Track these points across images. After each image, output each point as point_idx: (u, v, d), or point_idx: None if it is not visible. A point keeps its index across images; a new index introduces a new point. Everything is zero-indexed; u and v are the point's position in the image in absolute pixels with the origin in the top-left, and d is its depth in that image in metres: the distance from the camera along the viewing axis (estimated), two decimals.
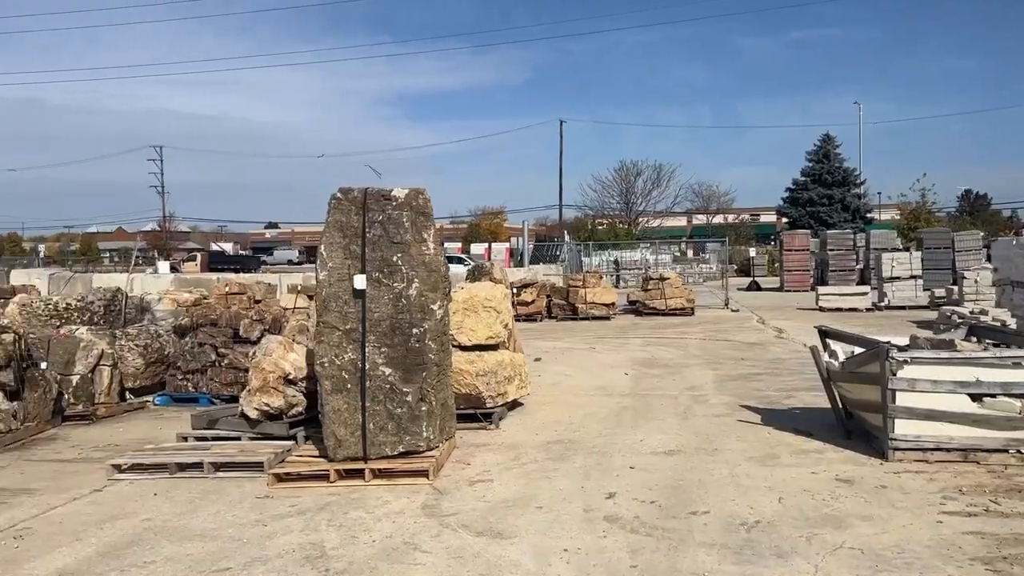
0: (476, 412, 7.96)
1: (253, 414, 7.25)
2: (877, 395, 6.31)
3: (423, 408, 6.38)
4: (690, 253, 57.01)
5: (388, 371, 6.38)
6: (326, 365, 6.38)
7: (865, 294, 21.59)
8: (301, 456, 6.57)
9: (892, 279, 22.39)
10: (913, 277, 22.38)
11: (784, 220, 59.75)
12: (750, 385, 9.82)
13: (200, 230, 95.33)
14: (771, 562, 4.32)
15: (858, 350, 7.11)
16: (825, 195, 55.52)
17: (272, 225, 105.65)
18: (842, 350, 7.34)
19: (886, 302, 21.89)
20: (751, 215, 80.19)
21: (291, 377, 7.37)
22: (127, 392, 10.14)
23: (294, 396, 7.36)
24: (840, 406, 7.10)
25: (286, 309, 15.17)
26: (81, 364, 9.18)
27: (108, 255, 73.00)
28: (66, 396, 8.94)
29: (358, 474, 6.18)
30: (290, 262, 63.80)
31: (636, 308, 21.48)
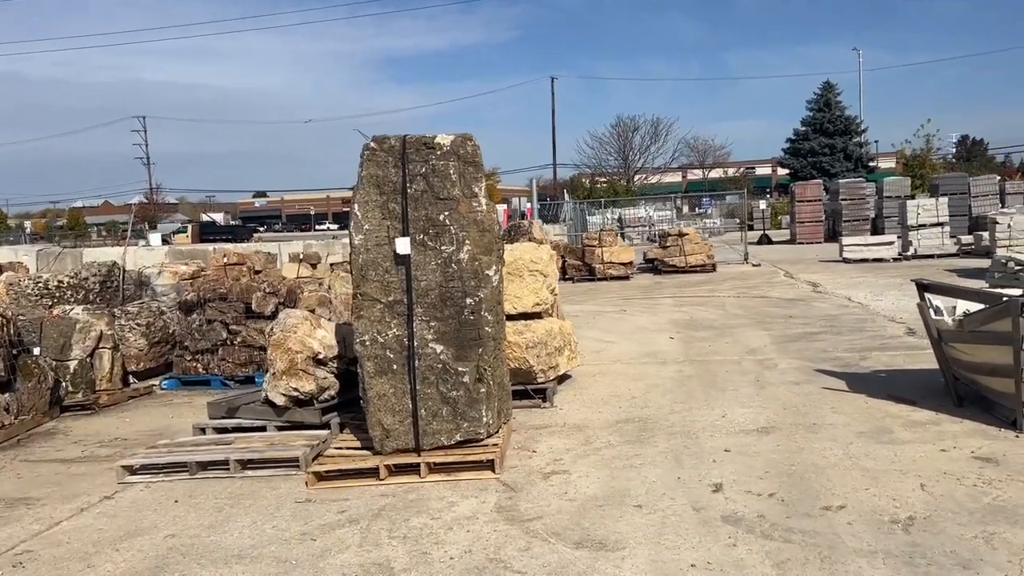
0: (526, 388, 7.10)
1: (280, 400, 6.36)
2: (1004, 357, 5.47)
3: (481, 390, 5.50)
4: (685, 208, 55.89)
5: (439, 348, 5.48)
6: (367, 344, 5.48)
7: (891, 243, 20.74)
8: (341, 449, 5.70)
9: (917, 227, 21.52)
10: (939, 224, 21.52)
11: (785, 172, 58.71)
12: (814, 346, 8.97)
13: (188, 201, 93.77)
14: (957, 575, 3.49)
15: (964, 305, 6.26)
16: (827, 144, 54.42)
17: (260, 194, 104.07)
18: (943, 305, 6.47)
19: (912, 251, 21.04)
20: (746, 168, 79.13)
21: (321, 357, 6.48)
22: (131, 376, 9.26)
23: (325, 378, 6.48)
24: (949, 369, 6.25)
25: (297, 279, 14.25)
26: (78, 348, 8.27)
27: (96, 229, 71.59)
28: (64, 384, 8.03)
29: (411, 469, 5.32)
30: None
31: (654, 266, 20.60)
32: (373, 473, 5.30)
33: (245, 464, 5.66)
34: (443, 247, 5.51)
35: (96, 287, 9.99)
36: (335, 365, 6.63)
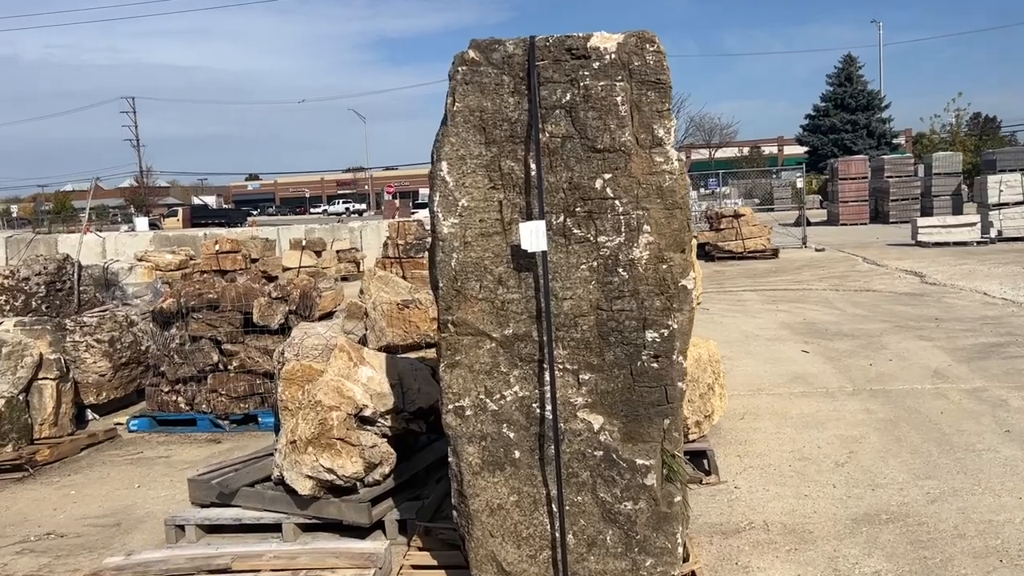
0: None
1: (305, 487, 3.93)
2: None
3: (676, 497, 3.07)
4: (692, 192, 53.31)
5: (598, 421, 3.05)
6: (467, 413, 3.05)
7: (973, 225, 18.28)
8: None
9: (999, 206, 19.09)
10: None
11: (803, 150, 56.11)
12: (1022, 367, 6.56)
13: (179, 184, 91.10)
14: None
15: None
16: (849, 120, 51.91)
17: (253, 177, 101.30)
18: None
19: (994, 233, 18.60)
20: (752, 148, 76.70)
21: (368, 413, 4.05)
22: (88, 411, 6.83)
23: (374, 447, 4.04)
24: None
25: (300, 268, 11.80)
26: (6, 381, 5.81)
27: (88, 214, 68.78)
28: None
29: None
30: None
31: (706, 251, 18.11)
32: None
33: None
34: (602, 238, 3.06)
35: (41, 289, 7.50)
36: (388, 423, 4.20)
